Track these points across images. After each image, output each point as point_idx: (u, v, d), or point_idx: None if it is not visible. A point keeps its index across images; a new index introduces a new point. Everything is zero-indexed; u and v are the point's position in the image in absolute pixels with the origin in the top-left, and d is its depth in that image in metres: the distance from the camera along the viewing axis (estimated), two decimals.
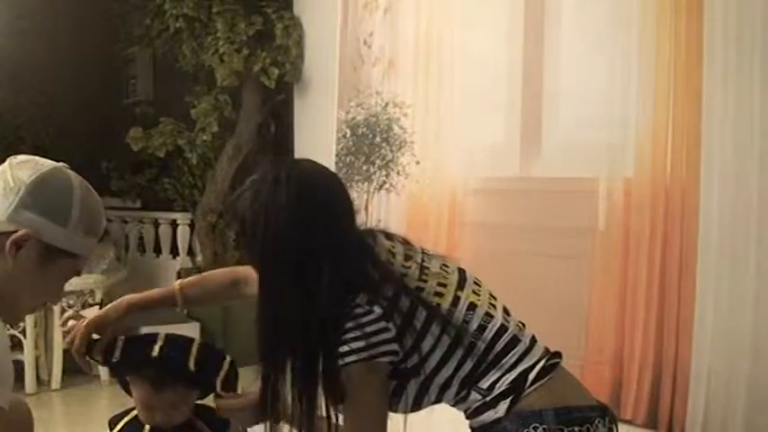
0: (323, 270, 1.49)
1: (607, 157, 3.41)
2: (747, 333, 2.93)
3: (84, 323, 1.80)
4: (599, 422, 1.50)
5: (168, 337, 1.89)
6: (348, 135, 4.47)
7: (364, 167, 4.35)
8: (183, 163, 5.52)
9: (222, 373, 1.89)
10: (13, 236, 1.30)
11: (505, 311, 1.62)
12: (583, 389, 1.57)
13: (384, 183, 4.25)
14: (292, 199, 1.50)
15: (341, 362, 1.49)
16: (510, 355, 1.53)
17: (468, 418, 1.58)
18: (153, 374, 1.83)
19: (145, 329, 1.95)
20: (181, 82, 5.51)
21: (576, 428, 1.47)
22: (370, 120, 4.34)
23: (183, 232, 5.75)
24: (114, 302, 1.90)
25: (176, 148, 5.33)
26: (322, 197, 1.54)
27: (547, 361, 1.54)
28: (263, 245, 1.52)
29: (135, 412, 1.89)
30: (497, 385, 1.51)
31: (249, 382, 1.75)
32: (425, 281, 1.57)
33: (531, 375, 1.51)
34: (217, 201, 5.35)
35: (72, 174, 1.42)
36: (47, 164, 1.39)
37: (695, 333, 3.08)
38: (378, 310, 1.49)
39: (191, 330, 4.74)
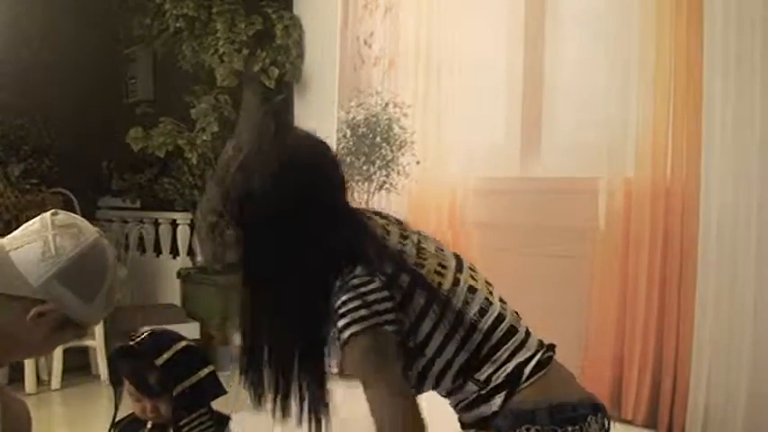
0: (313, 241, 1.45)
1: (607, 157, 3.41)
2: (747, 333, 2.93)
3: None
4: (591, 419, 1.49)
5: (153, 331, 1.89)
6: (348, 135, 4.47)
7: (364, 167, 4.35)
8: (183, 163, 5.52)
9: (188, 383, 1.82)
10: (41, 308, 1.30)
11: (501, 300, 1.59)
12: (576, 383, 1.56)
13: (384, 183, 4.25)
14: (281, 167, 1.47)
15: (344, 335, 1.41)
16: (507, 345, 1.49)
17: (460, 411, 1.55)
18: (129, 367, 1.83)
19: (146, 329, 1.94)
20: (181, 82, 5.51)
21: (570, 428, 1.45)
22: (370, 120, 4.34)
23: (183, 232, 5.75)
24: None
25: (176, 148, 5.33)
26: (311, 166, 1.51)
27: (543, 354, 1.51)
28: (252, 214, 1.47)
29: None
30: (493, 378, 1.48)
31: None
32: (424, 259, 1.52)
33: (527, 369, 1.48)
34: (217, 201, 5.35)
35: (107, 246, 1.40)
36: (88, 233, 1.37)
37: (695, 333, 3.08)
38: (377, 282, 1.43)
39: (191, 330, 4.73)
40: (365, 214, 1.60)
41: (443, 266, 1.53)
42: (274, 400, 1.53)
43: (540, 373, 1.48)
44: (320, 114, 4.91)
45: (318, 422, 1.50)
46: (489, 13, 4.03)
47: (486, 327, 1.49)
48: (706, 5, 3.03)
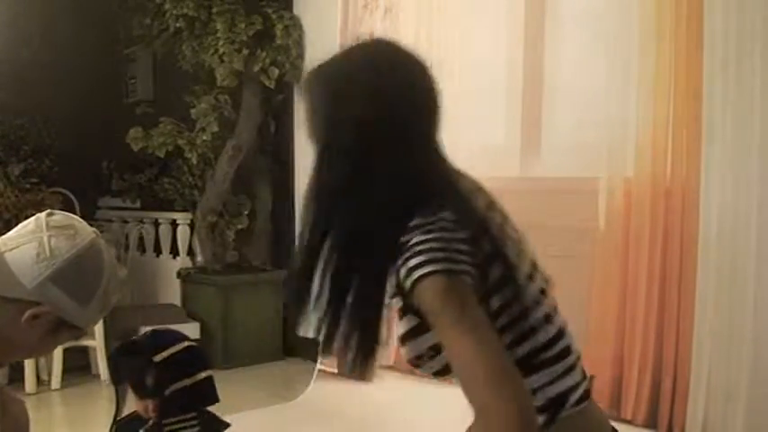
0: (402, 169, 1.30)
1: (607, 157, 3.41)
2: (747, 333, 2.93)
3: None
4: None
5: (156, 330, 1.88)
6: None
7: None
8: (183, 163, 5.52)
9: (182, 384, 1.81)
10: (36, 309, 1.29)
11: (562, 318, 1.45)
12: (607, 421, 1.47)
13: None
14: (379, 78, 1.32)
15: (417, 273, 1.21)
16: (561, 363, 1.35)
17: None
18: (128, 365, 1.83)
19: (144, 329, 1.94)
20: (181, 82, 5.51)
21: None
22: None
23: (183, 232, 5.75)
24: None
25: (176, 148, 5.33)
26: (421, 84, 1.37)
27: (587, 385, 1.40)
28: (338, 126, 1.31)
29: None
30: (539, 393, 1.33)
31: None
32: (506, 238, 1.37)
33: (572, 398, 1.36)
34: (217, 201, 5.35)
35: (103, 247, 1.38)
36: (84, 234, 1.36)
37: (695, 332, 3.08)
38: (462, 233, 1.25)
39: (191, 330, 4.74)
40: (455, 168, 1.44)
41: (521, 254, 1.39)
42: (318, 329, 1.35)
43: (581, 405, 1.37)
44: None
45: (365, 365, 1.33)
46: (489, 13, 4.03)
47: (546, 338, 1.35)
48: (706, 5, 3.02)
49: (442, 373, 1.33)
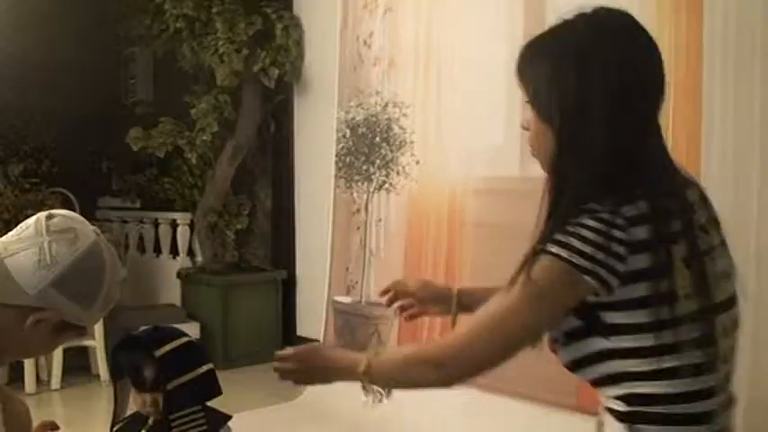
0: (606, 143, 1.22)
1: None
2: (748, 334, 2.93)
3: None
4: None
5: (157, 326, 1.89)
6: (348, 135, 4.47)
7: (364, 167, 4.35)
8: (183, 163, 5.52)
9: (184, 378, 1.82)
10: (39, 315, 1.29)
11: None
12: None
13: (384, 183, 4.24)
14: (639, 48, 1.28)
15: (547, 246, 1.22)
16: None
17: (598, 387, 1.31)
18: (128, 358, 1.84)
19: (143, 328, 1.94)
20: (181, 82, 5.51)
21: None
22: (370, 120, 4.34)
23: (183, 232, 5.75)
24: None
25: (176, 148, 5.33)
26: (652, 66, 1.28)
27: None
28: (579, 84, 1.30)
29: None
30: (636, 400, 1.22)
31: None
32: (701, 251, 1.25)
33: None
34: (217, 201, 5.35)
35: (104, 247, 1.37)
36: (84, 236, 1.34)
37: None
38: (637, 234, 1.17)
39: (191, 330, 4.74)
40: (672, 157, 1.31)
41: (718, 277, 1.32)
42: None
43: None
44: (320, 114, 4.91)
45: None
46: (489, 12, 4.02)
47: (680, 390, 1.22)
48: (706, 5, 3.03)
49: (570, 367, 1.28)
